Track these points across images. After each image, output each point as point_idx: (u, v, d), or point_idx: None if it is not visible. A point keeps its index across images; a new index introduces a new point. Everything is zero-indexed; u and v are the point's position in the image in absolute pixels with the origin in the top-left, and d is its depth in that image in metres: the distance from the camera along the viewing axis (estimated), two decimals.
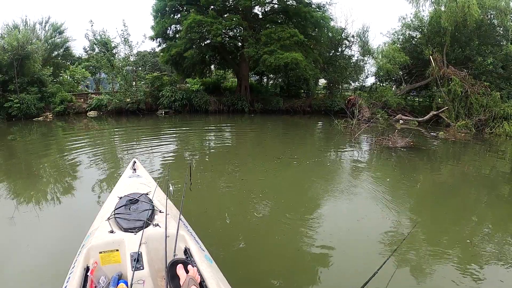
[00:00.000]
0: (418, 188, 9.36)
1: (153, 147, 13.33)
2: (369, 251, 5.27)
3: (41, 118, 21.62)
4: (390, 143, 14.37)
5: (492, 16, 23.05)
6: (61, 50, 28.25)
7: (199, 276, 2.48)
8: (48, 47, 26.04)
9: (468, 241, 5.70)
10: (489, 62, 21.90)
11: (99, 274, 2.70)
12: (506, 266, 4.96)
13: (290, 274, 4.69)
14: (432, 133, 19.32)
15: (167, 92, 25.32)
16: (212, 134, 18.03)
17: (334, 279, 4.59)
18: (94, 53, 30.82)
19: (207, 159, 12.09)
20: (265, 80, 35.21)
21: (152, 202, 3.65)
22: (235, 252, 5.17)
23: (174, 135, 17.41)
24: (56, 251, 4.86)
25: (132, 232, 3.04)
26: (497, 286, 4.48)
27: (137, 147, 13.53)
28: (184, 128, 19.97)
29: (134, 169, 5.28)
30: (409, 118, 24.31)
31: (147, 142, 14.71)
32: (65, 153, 11.92)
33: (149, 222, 3.23)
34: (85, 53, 33.71)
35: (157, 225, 3.20)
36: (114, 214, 3.35)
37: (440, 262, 4.99)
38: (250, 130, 20.14)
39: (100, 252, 2.79)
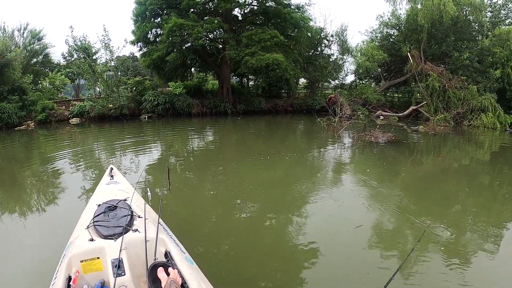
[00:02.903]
0: (401, 180, 9.62)
1: (136, 152, 13.31)
2: (354, 243, 5.43)
3: (23, 127, 21.19)
4: (372, 138, 14.66)
5: (467, 12, 23.57)
6: (40, 57, 27.80)
7: (180, 278, 2.54)
8: (27, 54, 25.63)
9: (446, 225, 5.94)
10: (465, 57, 22.39)
11: (82, 283, 2.71)
12: (492, 251, 5.18)
13: (277, 272, 4.72)
14: (413, 128, 19.73)
15: (149, 96, 25.16)
16: (195, 137, 18.05)
17: (322, 274, 4.64)
18: (73, 59, 30.44)
19: (191, 161, 12.12)
20: (245, 81, 35.28)
21: (130, 208, 3.66)
22: (220, 253, 5.18)
23: (157, 139, 17.38)
24: (38, 261, 4.84)
25: (112, 238, 3.06)
26: (484, 270, 4.70)
27: (120, 152, 13.46)
28: (167, 132, 19.93)
29: (112, 176, 5.28)
30: (389, 113, 24.73)
31: (130, 147, 14.61)
32: (48, 162, 11.76)
33: (128, 227, 3.25)
34: (64, 60, 33.26)
35: (137, 230, 3.22)
36: (93, 222, 3.35)
37: (425, 249, 5.17)
38: (234, 131, 20.21)
39: (81, 261, 2.81)
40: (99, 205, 3.74)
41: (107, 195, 4.24)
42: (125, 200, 3.91)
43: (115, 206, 3.64)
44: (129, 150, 13.86)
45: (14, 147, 15.64)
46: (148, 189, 5.08)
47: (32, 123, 21.93)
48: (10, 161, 12.42)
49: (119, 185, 4.86)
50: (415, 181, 9.58)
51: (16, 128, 20.79)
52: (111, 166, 5.57)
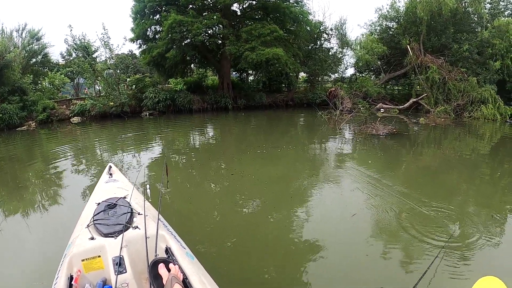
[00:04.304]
0: (402, 171, 9.73)
1: (137, 149, 13.41)
2: (356, 239, 5.46)
3: (24, 127, 21.12)
4: (373, 131, 14.73)
5: (466, 4, 23.55)
6: (39, 57, 27.75)
7: (182, 274, 2.57)
8: (26, 54, 25.56)
9: (448, 215, 6.02)
10: (465, 48, 22.44)
11: (84, 282, 2.72)
12: (492, 239, 5.23)
13: (280, 267, 4.72)
14: (413, 120, 19.78)
15: (150, 93, 25.16)
16: (197, 133, 18.05)
17: (324, 269, 4.67)
18: (72, 58, 30.37)
19: (192, 157, 12.18)
20: (244, 76, 35.20)
21: (130, 205, 3.67)
22: (221, 248, 5.21)
23: (158, 135, 17.45)
24: (40, 261, 4.84)
25: (112, 236, 3.06)
26: (484, 258, 4.75)
27: (121, 150, 13.52)
28: (168, 128, 20.00)
29: (110, 174, 5.30)
30: (390, 106, 24.78)
31: (131, 144, 14.68)
32: (49, 161, 11.79)
33: (128, 225, 3.25)
34: (62, 59, 33.17)
35: (137, 227, 3.23)
36: (93, 221, 3.34)
37: (427, 238, 5.25)
38: (235, 126, 20.28)
39: (83, 260, 2.81)
40: (98, 204, 3.75)
41: (106, 193, 4.26)
42: (125, 197, 3.92)
43: (114, 204, 3.64)
44: (130, 148, 13.93)
45: (16, 148, 15.63)
46: (147, 185, 5.08)
47: (34, 123, 21.87)
48: (12, 161, 12.43)
49: (118, 182, 4.88)
50: (416, 172, 9.67)
51: (17, 129, 20.71)
52: (110, 164, 5.62)
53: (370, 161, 10.42)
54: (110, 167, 5.50)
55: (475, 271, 4.31)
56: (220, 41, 26.43)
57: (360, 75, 31.49)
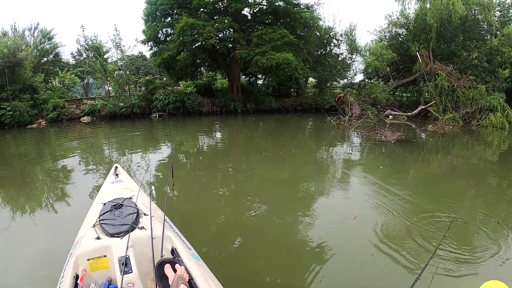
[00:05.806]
0: (410, 178, 9.75)
1: (145, 150, 13.53)
2: (361, 243, 5.45)
3: (35, 125, 21.44)
4: (382, 137, 14.79)
5: (476, 11, 23.53)
6: (51, 56, 28.09)
7: (187, 274, 2.60)
8: (38, 53, 25.90)
9: (454, 220, 6.08)
10: (474, 56, 22.41)
11: (89, 281, 2.73)
12: (500, 246, 5.25)
13: (284, 270, 4.73)
14: (422, 127, 19.80)
15: (160, 95, 25.38)
16: (206, 135, 18.14)
17: (330, 271, 4.66)
18: (82, 58, 30.70)
19: (200, 159, 12.25)
20: (253, 80, 35.32)
21: (136, 206, 3.69)
22: (227, 249, 5.24)
23: (167, 137, 17.59)
24: (45, 260, 4.82)
25: (119, 236, 3.08)
26: (492, 264, 4.76)
27: (129, 150, 13.62)
28: (177, 130, 20.12)
29: (116, 174, 5.33)
30: (398, 113, 24.75)
31: (139, 145, 14.81)
32: (57, 160, 11.91)
33: (134, 225, 3.27)
34: (73, 59, 33.49)
35: (143, 227, 3.25)
36: (100, 220, 3.36)
37: (433, 242, 5.28)
38: (244, 130, 20.37)
39: (88, 259, 2.82)
40: (104, 204, 3.78)
41: (112, 193, 4.29)
42: (131, 198, 3.95)
43: (120, 204, 3.67)
44: (138, 148, 14.06)
45: (25, 145, 15.82)
46: (153, 186, 5.08)
47: (44, 122, 22.18)
48: (21, 159, 12.55)
49: (124, 183, 4.93)
50: (423, 178, 9.71)
51: (28, 127, 21.05)
52: (116, 164, 5.65)
53: (381, 166, 10.49)
54: (116, 167, 5.54)
55: (480, 275, 4.38)
56: (230, 45, 26.54)
57: (369, 81, 31.55)
